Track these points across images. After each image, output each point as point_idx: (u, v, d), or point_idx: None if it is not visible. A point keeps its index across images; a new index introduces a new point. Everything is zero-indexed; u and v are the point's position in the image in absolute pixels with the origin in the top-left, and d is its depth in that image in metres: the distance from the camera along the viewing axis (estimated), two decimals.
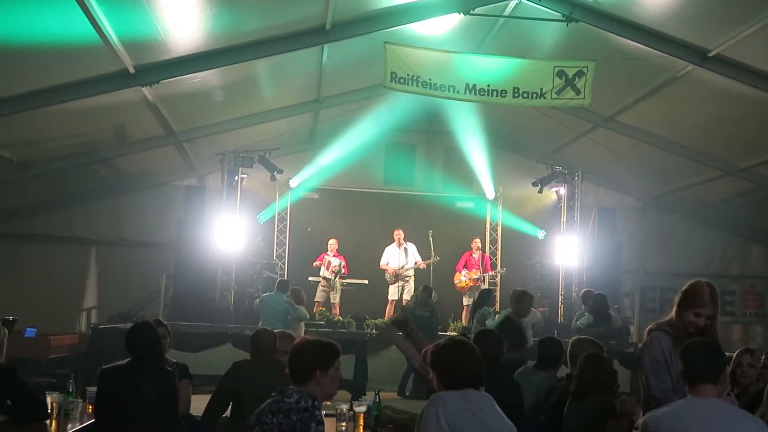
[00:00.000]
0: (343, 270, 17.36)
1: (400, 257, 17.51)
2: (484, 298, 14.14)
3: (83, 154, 15.43)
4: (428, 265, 17.41)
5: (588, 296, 14.45)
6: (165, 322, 7.43)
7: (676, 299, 5.13)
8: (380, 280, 17.67)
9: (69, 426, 6.24)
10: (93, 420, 6.28)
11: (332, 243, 17.54)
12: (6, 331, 6.51)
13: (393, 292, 17.42)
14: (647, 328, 5.21)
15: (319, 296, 17.38)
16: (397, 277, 17.38)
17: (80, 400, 6.70)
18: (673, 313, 5.13)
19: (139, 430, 5.88)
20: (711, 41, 11.78)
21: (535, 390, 6.91)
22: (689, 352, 4.56)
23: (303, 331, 14.22)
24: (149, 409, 5.92)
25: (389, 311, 17.31)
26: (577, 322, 14.04)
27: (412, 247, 17.62)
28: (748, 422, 4.48)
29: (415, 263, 17.52)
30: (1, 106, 11.49)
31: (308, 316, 15.25)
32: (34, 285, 17.31)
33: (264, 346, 6.92)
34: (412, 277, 17.56)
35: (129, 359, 6.14)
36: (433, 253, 17.27)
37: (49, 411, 6.33)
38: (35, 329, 13.27)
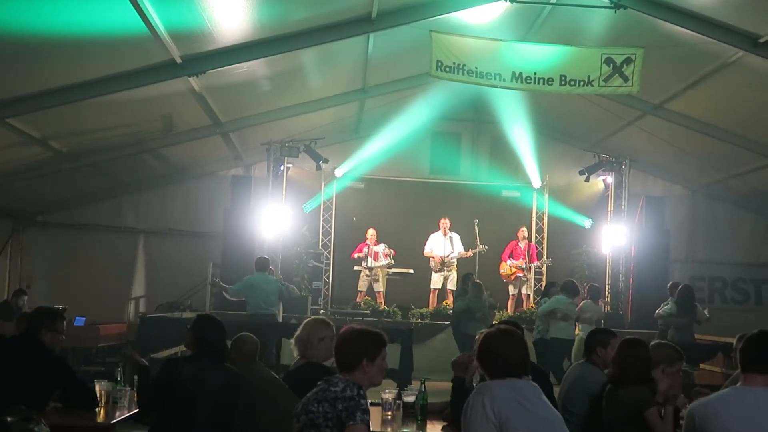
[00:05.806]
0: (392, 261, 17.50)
1: (445, 246, 17.49)
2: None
3: (131, 144, 15.55)
4: (475, 254, 17.37)
5: (675, 287, 14.26)
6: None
7: None
8: (426, 270, 17.68)
9: (117, 414, 6.32)
10: (137, 410, 6.23)
11: (372, 233, 17.57)
12: None
13: (436, 281, 17.44)
14: None
15: (362, 285, 17.49)
16: (443, 265, 17.36)
17: (128, 389, 6.74)
18: None
19: (199, 426, 5.68)
20: (762, 27, 11.52)
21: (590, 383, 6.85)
22: (746, 341, 4.56)
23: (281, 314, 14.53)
24: (209, 406, 5.68)
25: (432, 300, 17.36)
26: (661, 311, 13.88)
27: (456, 237, 17.63)
28: None
29: (459, 253, 17.50)
30: (50, 97, 11.59)
31: (299, 293, 15.21)
32: (84, 274, 17.59)
33: (247, 351, 6.44)
34: (455, 266, 17.54)
35: (193, 353, 5.94)
36: (479, 242, 17.24)
37: (97, 399, 6.41)
38: (84, 318, 13.44)
